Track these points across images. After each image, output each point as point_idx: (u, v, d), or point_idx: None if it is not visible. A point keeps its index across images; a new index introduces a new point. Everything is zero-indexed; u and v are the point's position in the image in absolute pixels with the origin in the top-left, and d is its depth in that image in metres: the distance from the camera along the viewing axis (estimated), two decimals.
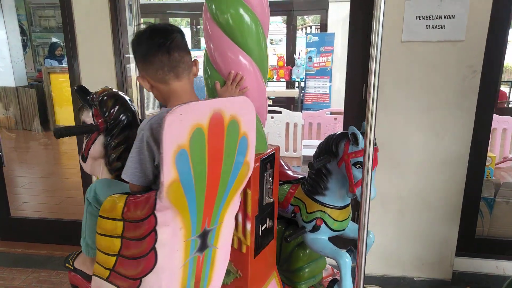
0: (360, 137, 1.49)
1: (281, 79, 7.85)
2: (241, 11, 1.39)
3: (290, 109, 5.87)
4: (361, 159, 1.45)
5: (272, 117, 5.34)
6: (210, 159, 1.05)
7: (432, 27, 2.14)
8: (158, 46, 1.17)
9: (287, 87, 7.80)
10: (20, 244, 2.84)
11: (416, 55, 2.20)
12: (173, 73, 1.21)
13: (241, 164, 1.20)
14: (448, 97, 2.23)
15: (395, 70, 2.24)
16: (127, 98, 1.66)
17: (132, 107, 1.65)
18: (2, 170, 2.88)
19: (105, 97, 1.59)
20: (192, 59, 1.28)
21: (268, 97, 9.45)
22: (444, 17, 2.12)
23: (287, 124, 5.36)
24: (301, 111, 6.00)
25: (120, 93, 1.66)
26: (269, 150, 1.57)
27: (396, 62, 2.23)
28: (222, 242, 1.28)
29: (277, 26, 11.46)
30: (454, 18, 2.11)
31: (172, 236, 1.05)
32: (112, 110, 1.58)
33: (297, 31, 9.26)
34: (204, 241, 1.18)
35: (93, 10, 2.43)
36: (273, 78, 7.96)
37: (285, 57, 8.08)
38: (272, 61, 8.18)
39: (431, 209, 2.40)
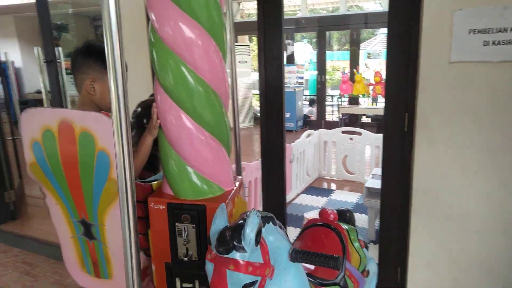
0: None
1: (378, 96, 7.28)
2: None
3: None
4: None
5: (350, 139, 4.90)
6: (64, 158, 1.29)
7: (493, 43, 1.63)
8: None
9: None
10: None
11: (470, 79, 1.70)
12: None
13: (104, 180, 1.27)
14: None
15: (442, 97, 1.77)
16: None
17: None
18: None
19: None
20: (88, 79, 1.46)
21: (365, 115, 8.88)
22: (511, 30, 1.60)
23: (368, 148, 4.84)
24: None
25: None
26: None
27: (443, 87, 1.76)
28: (112, 245, 1.38)
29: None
30: None
31: (52, 208, 1.41)
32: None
33: None
34: (88, 230, 1.40)
35: None
36: (369, 94, 7.42)
37: (383, 73, 7.46)
38: (369, 76, 7.63)
39: (499, 279, 1.82)
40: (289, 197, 4.19)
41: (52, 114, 1.29)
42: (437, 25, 1.72)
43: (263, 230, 0.98)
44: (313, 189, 4.58)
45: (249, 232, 0.91)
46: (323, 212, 1.50)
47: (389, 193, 2.04)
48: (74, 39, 9.71)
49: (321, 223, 1.47)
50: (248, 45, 9.13)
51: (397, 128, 1.96)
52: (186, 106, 1.25)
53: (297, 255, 1.03)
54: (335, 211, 1.53)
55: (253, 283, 0.94)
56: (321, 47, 8.55)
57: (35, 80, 6.95)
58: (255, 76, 10.00)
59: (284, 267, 1.02)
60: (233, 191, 1.37)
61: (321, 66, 8.54)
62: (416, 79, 1.83)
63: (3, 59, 5.44)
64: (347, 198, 4.21)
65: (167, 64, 1.22)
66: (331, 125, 7.22)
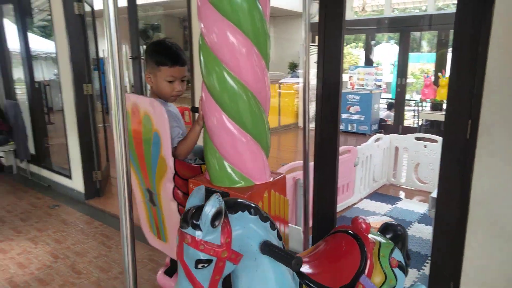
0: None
1: None
2: None
3: None
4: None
5: (425, 146, 4.63)
6: (134, 135, 1.60)
7: None
8: None
9: None
10: None
11: None
12: None
13: (157, 156, 1.50)
14: None
15: (508, 105, 1.64)
16: None
17: None
18: None
19: None
20: (147, 72, 1.72)
21: None
22: None
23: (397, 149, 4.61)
24: None
25: None
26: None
27: (510, 94, 1.62)
28: (166, 212, 1.62)
29: None
30: None
31: (132, 176, 1.55)
32: None
33: None
34: (151, 197, 1.69)
35: None
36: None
37: None
38: None
39: None
40: (351, 200, 4.12)
41: (128, 99, 1.55)
42: (508, 28, 1.60)
43: (233, 216, 1.03)
44: (378, 195, 4.42)
45: (206, 213, 0.97)
46: (354, 221, 1.46)
47: (445, 204, 1.93)
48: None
49: (349, 231, 1.44)
50: None
51: (459, 135, 1.85)
52: (228, 109, 1.37)
53: (264, 248, 1.07)
54: (368, 222, 1.46)
55: (207, 261, 1.00)
56: (404, 48, 8.14)
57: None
58: None
59: (255, 258, 1.07)
60: (261, 185, 1.46)
61: (402, 68, 8.13)
62: (483, 84, 1.71)
63: (101, 55, 6.16)
64: (414, 207, 4.00)
65: (213, 69, 1.35)
66: (409, 131, 6.86)
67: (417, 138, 4.66)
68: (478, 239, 1.79)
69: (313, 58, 8.93)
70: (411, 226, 3.55)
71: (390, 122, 8.47)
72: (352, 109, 8.12)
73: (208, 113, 1.44)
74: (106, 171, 4.54)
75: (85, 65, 3.82)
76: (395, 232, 1.56)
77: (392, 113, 8.54)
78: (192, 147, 1.62)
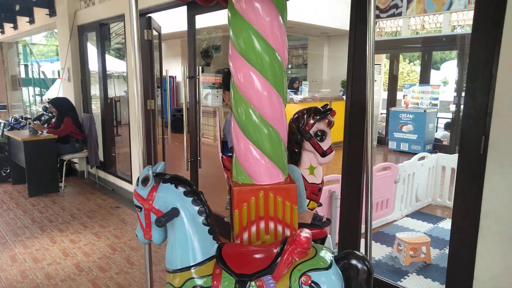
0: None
1: None
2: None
3: None
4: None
5: None
6: None
7: None
8: None
9: None
10: None
11: None
12: None
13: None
14: None
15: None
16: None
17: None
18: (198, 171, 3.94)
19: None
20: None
21: None
22: None
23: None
24: None
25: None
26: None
27: None
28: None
29: None
30: None
31: None
32: None
33: None
34: None
35: None
36: None
37: None
38: None
39: None
40: (390, 217, 4.15)
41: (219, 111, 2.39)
42: None
43: (162, 185, 1.48)
44: (421, 214, 4.39)
45: (139, 176, 1.48)
46: (298, 234, 1.44)
47: (459, 217, 2.01)
48: (222, 58, 11.18)
49: (288, 239, 1.47)
50: (379, 64, 9.02)
51: (474, 151, 1.95)
52: (251, 138, 1.72)
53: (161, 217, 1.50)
54: (306, 237, 1.41)
55: (138, 207, 1.50)
56: (463, 66, 7.88)
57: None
58: (385, 95, 9.75)
59: (171, 223, 1.49)
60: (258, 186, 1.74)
61: (460, 86, 7.87)
62: (493, 102, 1.82)
63: (164, 74, 6.80)
64: None
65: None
66: None
67: None
68: (489, 248, 1.86)
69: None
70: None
71: (446, 142, 8.17)
72: (405, 128, 7.99)
73: (234, 138, 1.80)
74: None
75: (150, 83, 4.36)
76: (348, 262, 1.41)
77: (448, 133, 8.25)
78: None
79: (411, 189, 4.36)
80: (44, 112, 6.53)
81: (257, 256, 1.50)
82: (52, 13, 6.24)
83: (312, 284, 1.36)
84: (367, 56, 1.70)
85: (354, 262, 1.41)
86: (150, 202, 1.48)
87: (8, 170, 5.55)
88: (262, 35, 1.62)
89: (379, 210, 4.02)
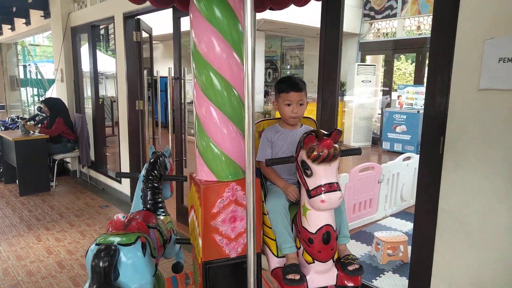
0: None
1: None
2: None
3: None
4: None
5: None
6: None
7: None
8: None
9: None
10: None
11: (498, 107, 1.67)
12: None
13: None
14: None
15: (470, 123, 1.77)
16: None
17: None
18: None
19: None
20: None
21: None
22: None
23: None
24: None
25: None
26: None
27: (471, 113, 1.76)
28: None
29: None
30: None
31: None
32: None
33: None
34: None
35: None
36: None
37: None
38: None
39: None
40: (374, 217, 4.19)
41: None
42: (468, 53, 1.75)
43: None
44: (406, 214, 4.41)
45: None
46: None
47: (420, 215, 2.05)
48: None
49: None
50: (374, 65, 9.05)
51: (433, 151, 1.99)
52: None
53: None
54: (118, 220, 1.87)
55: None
56: None
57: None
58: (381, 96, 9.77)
59: None
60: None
61: None
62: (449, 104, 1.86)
63: (155, 75, 6.87)
64: None
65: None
66: None
67: None
68: (446, 246, 1.90)
69: (360, 77, 8.95)
70: None
71: None
72: (398, 129, 8.02)
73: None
74: None
75: (138, 84, 4.43)
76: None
77: None
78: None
79: (395, 189, 4.40)
80: (39, 112, 6.61)
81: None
82: (47, 14, 6.33)
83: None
84: (243, 49, 1.74)
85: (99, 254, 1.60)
86: None
87: (1, 170, 5.64)
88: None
89: (362, 209, 4.05)
